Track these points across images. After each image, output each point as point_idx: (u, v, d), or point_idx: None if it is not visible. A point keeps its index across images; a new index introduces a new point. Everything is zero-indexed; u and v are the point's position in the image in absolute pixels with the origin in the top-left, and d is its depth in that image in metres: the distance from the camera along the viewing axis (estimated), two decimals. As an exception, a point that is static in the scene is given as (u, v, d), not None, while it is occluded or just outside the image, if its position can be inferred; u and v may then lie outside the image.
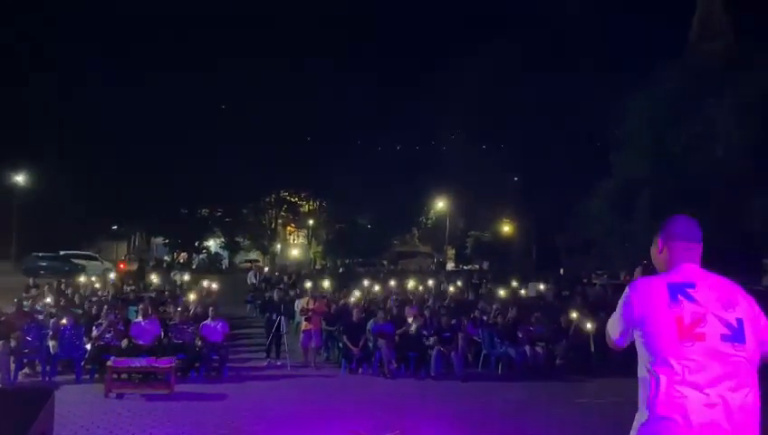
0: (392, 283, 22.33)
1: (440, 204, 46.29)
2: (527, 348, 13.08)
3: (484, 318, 14.47)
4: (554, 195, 33.77)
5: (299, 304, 14.78)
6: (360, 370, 12.78)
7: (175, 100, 36.87)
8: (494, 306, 15.86)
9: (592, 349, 12.85)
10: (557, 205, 32.98)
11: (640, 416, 2.42)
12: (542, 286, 22.29)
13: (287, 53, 39.82)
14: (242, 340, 16.21)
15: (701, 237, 2.70)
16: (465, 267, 45.47)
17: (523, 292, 21.65)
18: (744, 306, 2.47)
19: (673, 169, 22.57)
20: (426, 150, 41.13)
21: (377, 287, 20.20)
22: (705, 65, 24.27)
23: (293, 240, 56.47)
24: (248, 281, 26.12)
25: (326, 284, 20.20)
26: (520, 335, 13.42)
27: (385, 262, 46.22)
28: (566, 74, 33.82)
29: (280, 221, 50.26)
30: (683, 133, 22.81)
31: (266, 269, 33.32)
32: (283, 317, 13.67)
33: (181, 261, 44.37)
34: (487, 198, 40.08)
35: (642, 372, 2.46)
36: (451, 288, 20.83)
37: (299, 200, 49.65)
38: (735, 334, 2.38)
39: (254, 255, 49.09)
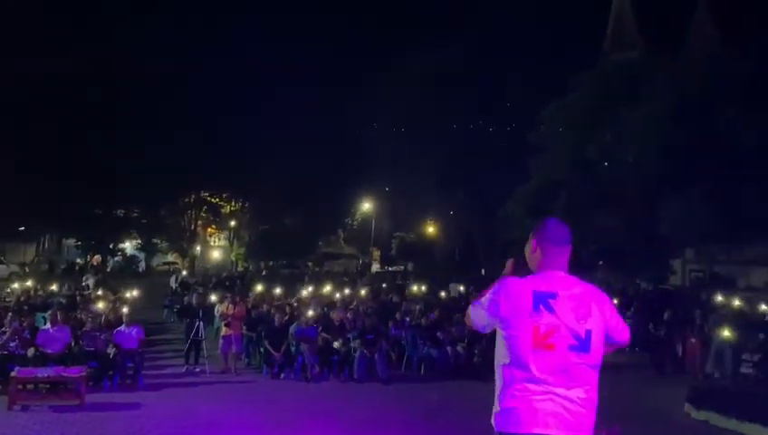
0: (317, 285, 22.13)
1: (366, 205, 46.35)
2: (449, 349, 13.25)
3: (407, 319, 14.55)
4: (477, 196, 34.48)
5: (218, 309, 14.39)
6: (283, 375, 12.58)
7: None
8: (417, 307, 15.99)
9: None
10: (479, 207, 33.70)
11: (495, 407, 2.72)
12: (461, 288, 22.68)
13: (217, 46, 38.75)
14: (159, 346, 15.65)
15: (570, 243, 2.87)
16: (390, 268, 45.73)
17: (443, 294, 21.96)
18: (595, 316, 2.72)
19: (588, 173, 23.48)
20: (353, 151, 40.88)
21: (304, 291, 20.00)
22: (618, 75, 25.40)
23: (214, 242, 55.15)
24: (170, 285, 25.31)
25: (278, 290, 19.74)
26: (441, 336, 13.57)
27: (310, 264, 45.86)
28: (490, 80, 34.67)
29: (200, 222, 48.89)
30: (597, 139, 23.79)
31: (184, 272, 32.32)
32: (201, 322, 13.26)
33: (95, 264, 42.39)
34: (413, 200, 40.43)
35: (499, 364, 2.74)
36: (375, 289, 20.82)
37: (220, 201, 48.46)
38: (582, 345, 2.66)
39: (172, 257, 47.60)
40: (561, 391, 2.61)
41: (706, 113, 21.17)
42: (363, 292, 20.71)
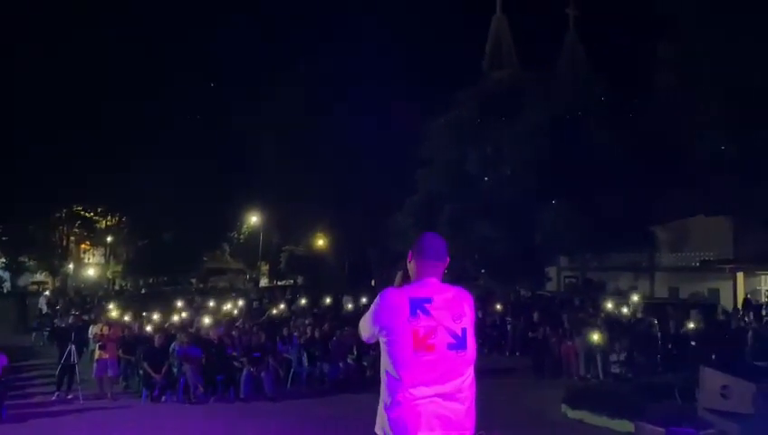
0: (200, 302, 21.34)
1: (254, 218, 45.33)
2: (339, 362, 13.19)
3: (296, 335, 14.34)
4: (366, 209, 34.76)
5: (92, 331, 13.50)
6: (164, 397, 11.98)
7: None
8: (306, 322, 15.81)
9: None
10: (369, 219, 33.98)
11: (381, 408, 2.86)
12: (350, 305, 22.73)
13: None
14: (27, 373, 14.46)
15: (445, 256, 3.08)
16: (279, 283, 44.97)
17: (333, 307, 21.90)
18: (468, 316, 2.94)
19: (469, 186, 24.34)
20: (238, 163, 39.79)
21: (183, 309, 19.20)
22: (496, 92, 26.59)
23: (89, 259, 51.81)
24: (39, 306, 23.47)
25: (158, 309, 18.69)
26: (331, 350, 13.48)
27: (194, 280, 44.17)
28: (379, 94, 35.23)
29: (73, 238, 45.72)
30: (478, 153, 24.75)
31: (47, 293, 29.91)
32: (74, 345, 12.36)
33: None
34: (302, 212, 40.02)
35: (383, 371, 2.87)
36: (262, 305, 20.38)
37: (95, 215, 45.58)
38: (459, 343, 2.85)
39: (41, 276, 44.16)
40: (442, 389, 2.78)
41: (575, 129, 22.64)
42: (250, 307, 20.23)
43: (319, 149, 36.37)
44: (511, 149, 23.69)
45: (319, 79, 37.04)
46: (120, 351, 12.96)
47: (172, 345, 12.39)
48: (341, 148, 36.14)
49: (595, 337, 14.37)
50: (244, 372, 12.04)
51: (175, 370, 12.11)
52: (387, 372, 2.85)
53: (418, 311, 2.84)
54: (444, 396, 2.78)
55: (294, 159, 37.14)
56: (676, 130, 20.19)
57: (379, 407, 2.90)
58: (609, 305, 19.74)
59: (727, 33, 15.97)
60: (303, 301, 23.29)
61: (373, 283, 38.52)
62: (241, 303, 22.13)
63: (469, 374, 2.88)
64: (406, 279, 3.13)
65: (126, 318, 16.64)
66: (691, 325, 15.51)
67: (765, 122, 16.32)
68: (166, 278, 42.67)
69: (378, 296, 2.97)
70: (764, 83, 16.02)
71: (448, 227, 23.62)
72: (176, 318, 16.86)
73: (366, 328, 3.02)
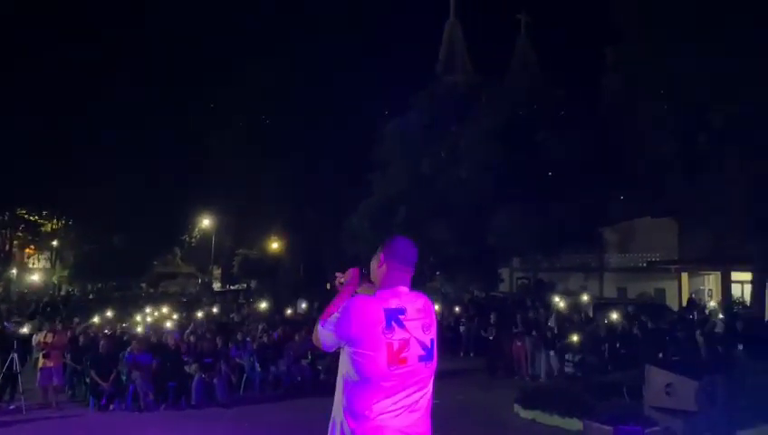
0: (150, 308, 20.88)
1: (206, 221, 44.59)
2: (293, 367, 13.07)
3: (248, 339, 14.15)
4: (322, 212, 34.60)
5: (36, 339, 13.04)
6: (112, 406, 11.65)
7: None
8: (260, 326, 15.63)
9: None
10: (324, 222, 33.83)
11: (341, 419, 2.74)
12: (304, 305, 22.62)
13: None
14: (-37, 384, 13.81)
15: (416, 262, 2.96)
16: (232, 287, 44.34)
17: (289, 311, 21.72)
18: (433, 325, 2.89)
19: (424, 188, 24.49)
20: (190, 164, 38.98)
21: (137, 315, 18.75)
22: (450, 95, 26.86)
23: (33, 264, 50.08)
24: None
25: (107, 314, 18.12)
26: (285, 354, 13.36)
27: (144, 285, 43.19)
28: (334, 97, 35.13)
29: (16, 242, 44.12)
30: (432, 156, 24.94)
31: None
32: (16, 354, 11.90)
33: None
34: (256, 215, 39.54)
35: (349, 381, 2.73)
36: (215, 310, 20.10)
37: (40, 219, 44.07)
38: (428, 354, 2.80)
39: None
40: (411, 401, 2.72)
41: (527, 133, 23.04)
42: (201, 313, 19.89)
43: (273, 152, 35.99)
44: (465, 151, 23.94)
45: (273, 80, 36.70)
46: (67, 358, 12.56)
47: (122, 353, 12.09)
48: (296, 150, 35.89)
49: (548, 336, 14.63)
50: (196, 378, 11.81)
51: (124, 377, 11.81)
52: (351, 382, 2.72)
53: (393, 323, 2.73)
54: (408, 408, 2.72)
55: (248, 162, 36.67)
56: (622, 133, 20.73)
57: (336, 416, 2.78)
58: (560, 305, 20.13)
59: (671, 39, 16.50)
60: (257, 305, 23.02)
61: (328, 286, 38.37)
62: (192, 308, 21.72)
63: (432, 385, 2.84)
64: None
65: (73, 325, 16.18)
66: (638, 324, 15.93)
67: (707, 127, 16.92)
68: (115, 283, 41.59)
69: (347, 305, 2.79)
70: (705, 90, 16.63)
71: (404, 229, 23.70)
72: (126, 324, 16.49)
73: (327, 336, 2.81)
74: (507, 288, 31.86)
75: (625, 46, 19.96)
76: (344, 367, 2.77)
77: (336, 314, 2.79)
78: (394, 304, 2.78)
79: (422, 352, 2.77)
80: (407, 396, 2.71)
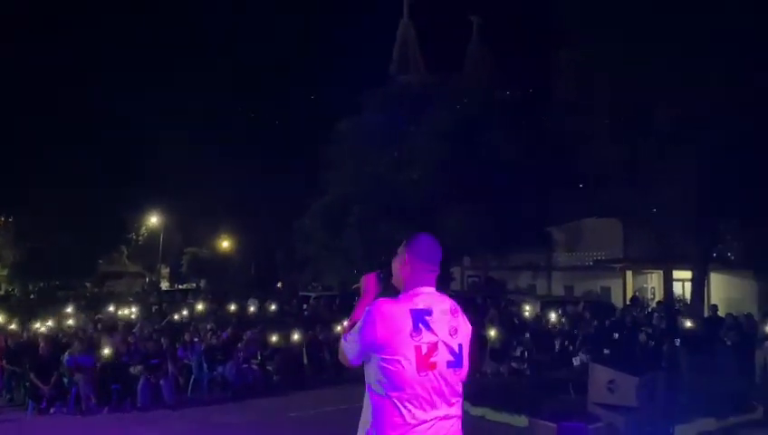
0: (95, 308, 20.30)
1: (153, 219, 43.59)
2: (242, 368, 12.90)
3: (196, 340, 13.89)
4: (274, 211, 34.28)
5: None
6: (53, 410, 11.27)
7: None
8: (209, 326, 15.37)
9: (305, 361, 13.19)
10: (277, 221, 33.52)
11: (373, 432, 2.55)
12: (253, 307, 22.39)
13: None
14: None
15: (441, 262, 2.82)
16: (180, 287, 43.47)
17: (239, 310, 21.44)
18: (463, 330, 2.72)
19: (377, 188, 24.49)
20: (136, 160, 37.93)
21: (75, 314, 18.18)
22: (403, 95, 26.93)
23: (-32, 262, 48.05)
24: None
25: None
26: (234, 355, 13.17)
27: (88, 284, 41.88)
28: (287, 96, 34.89)
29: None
30: (385, 156, 24.95)
31: None
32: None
33: None
34: (206, 213, 38.87)
35: (377, 392, 2.56)
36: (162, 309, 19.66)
37: (-23, 216, 42.33)
38: (457, 360, 2.64)
39: None
40: (442, 412, 2.57)
41: (478, 133, 23.30)
42: (148, 313, 19.45)
43: (222, 150, 35.47)
44: (418, 151, 24.05)
45: (223, 78, 36.18)
46: (4, 361, 12.10)
47: (64, 355, 11.71)
48: (247, 149, 35.48)
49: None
50: (141, 379, 11.53)
51: (65, 380, 11.44)
52: (379, 394, 2.55)
53: (420, 325, 2.57)
54: (442, 418, 2.57)
55: (196, 159, 36.03)
56: (570, 135, 21.19)
57: (363, 432, 2.60)
58: (509, 303, 20.49)
59: (614, 41, 16.94)
60: (205, 305, 22.63)
61: (280, 285, 38.04)
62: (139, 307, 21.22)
63: (462, 396, 2.69)
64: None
65: (12, 326, 15.59)
66: (585, 322, 16.35)
67: (650, 131, 17.44)
68: (58, 283, 40.22)
69: (369, 310, 2.62)
70: (648, 92, 17.15)
71: (357, 229, 23.70)
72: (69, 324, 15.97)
73: (352, 348, 2.64)
74: (459, 287, 32.19)
75: (572, 49, 20.44)
76: (370, 378, 2.61)
77: (359, 323, 2.63)
78: (421, 304, 2.64)
79: (450, 358, 2.62)
80: (440, 407, 2.57)
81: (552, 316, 17.89)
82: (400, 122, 25.36)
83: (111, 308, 20.94)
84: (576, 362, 12.77)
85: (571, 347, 15.06)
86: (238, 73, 36.62)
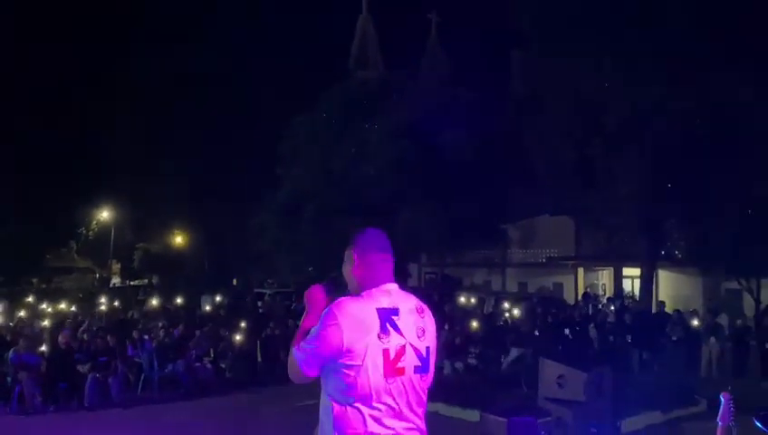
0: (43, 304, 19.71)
1: (104, 214, 42.57)
2: (195, 364, 12.72)
3: (146, 337, 13.60)
4: (227, 206, 33.85)
5: None
6: (-5, 410, 10.91)
7: None
8: (160, 323, 15.08)
9: (259, 359, 13.09)
10: (231, 216, 33.11)
11: None
12: (208, 303, 22.10)
13: None
14: None
15: (392, 251, 2.61)
16: (132, 283, 42.55)
17: (191, 307, 21.10)
18: (430, 332, 2.49)
19: (334, 184, 24.43)
20: (87, 151, 36.92)
21: (21, 311, 17.61)
22: (360, 91, 26.91)
23: None
24: None
25: None
26: (186, 353, 12.97)
27: (34, 280, 40.59)
28: (243, 92, 34.47)
29: None
30: (342, 152, 24.90)
31: None
32: None
33: None
34: (158, 208, 38.13)
35: (338, 401, 2.33)
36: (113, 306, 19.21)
37: None
38: (424, 365, 2.43)
39: None
40: (409, 423, 2.36)
41: (434, 131, 23.45)
42: (97, 309, 18.98)
43: (177, 143, 34.84)
44: (375, 148, 24.07)
45: (178, 71, 35.49)
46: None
47: (8, 353, 11.34)
48: (203, 143, 34.96)
49: (447, 328, 15.00)
50: (89, 378, 11.24)
51: (9, 379, 11.08)
52: (340, 404, 2.31)
53: (388, 325, 2.33)
54: (408, 430, 2.35)
55: (149, 152, 35.32)
56: (527, 133, 21.51)
57: None
58: (464, 300, 20.71)
59: (568, 41, 17.28)
60: (156, 301, 22.19)
61: (234, 281, 37.61)
62: (88, 304, 20.67)
63: (426, 405, 2.47)
64: (326, 298, 2.54)
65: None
66: (537, 317, 16.64)
67: (601, 132, 17.85)
68: (2, 278, 38.86)
69: (331, 311, 2.34)
70: (599, 92, 17.57)
71: (313, 225, 23.61)
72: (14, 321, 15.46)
73: (307, 358, 2.34)
74: (415, 283, 32.40)
75: (528, 49, 20.77)
76: (329, 387, 2.36)
77: (316, 328, 2.35)
78: (386, 302, 2.39)
79: (418, 362, 2.39)
80: (406, 414, 2.34)
81: (506, 312, 18.16)
82: (358, 118, 25.34)
83: (60, 305, 20.32)
84: (513, 354, 13.02)
85: (523, 342, 15.32)
86: (193, 66, 36.03)
